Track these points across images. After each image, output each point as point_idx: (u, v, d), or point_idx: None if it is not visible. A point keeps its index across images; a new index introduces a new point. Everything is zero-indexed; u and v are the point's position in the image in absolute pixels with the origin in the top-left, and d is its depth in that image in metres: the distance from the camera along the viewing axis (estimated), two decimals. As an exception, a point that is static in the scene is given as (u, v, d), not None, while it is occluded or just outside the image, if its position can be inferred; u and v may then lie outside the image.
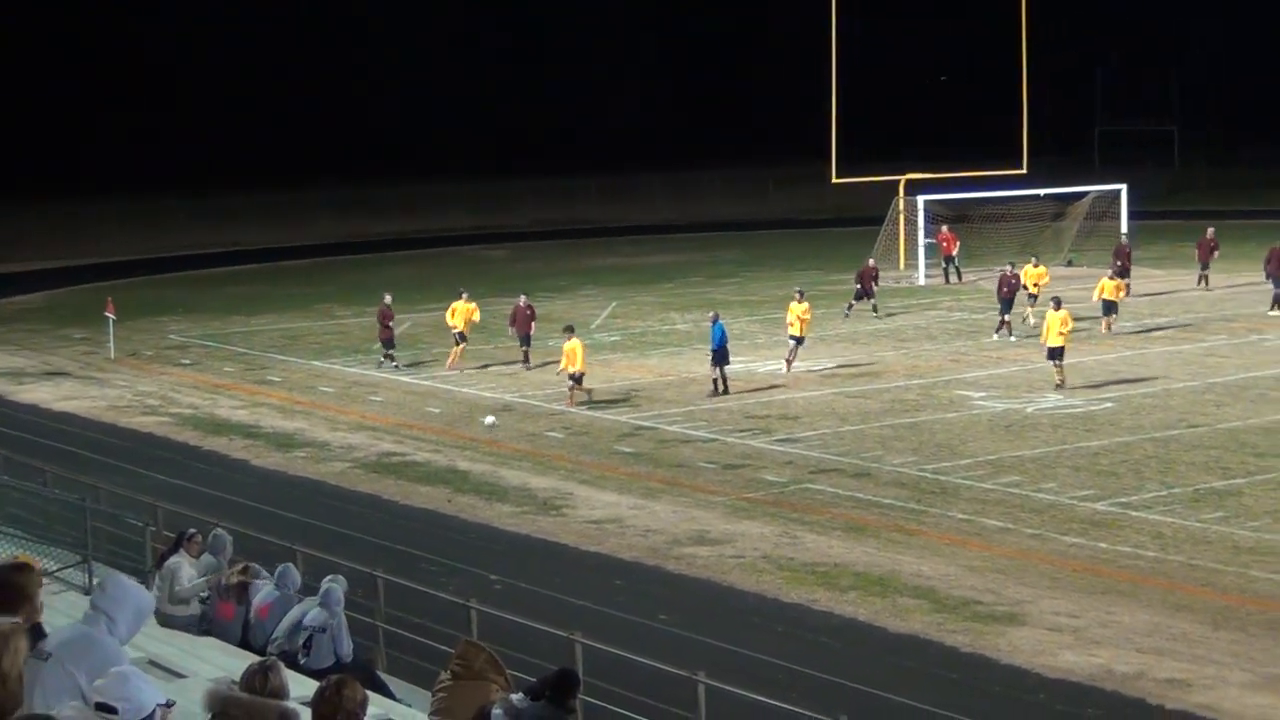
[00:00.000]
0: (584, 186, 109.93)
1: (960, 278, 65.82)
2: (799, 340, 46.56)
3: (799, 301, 46.88)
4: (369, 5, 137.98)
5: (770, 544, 29.88)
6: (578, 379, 42.79)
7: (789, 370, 46.03)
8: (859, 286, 57.36)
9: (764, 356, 48.88)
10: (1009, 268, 53.25)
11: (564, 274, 73.57)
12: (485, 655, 14.21)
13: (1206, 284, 60.64)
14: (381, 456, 38.20)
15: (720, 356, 43.59)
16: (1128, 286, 55.43)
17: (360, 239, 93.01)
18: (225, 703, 9.83)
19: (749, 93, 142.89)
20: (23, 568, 11.10)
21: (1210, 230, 61.96)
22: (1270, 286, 55.28)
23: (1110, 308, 51.58)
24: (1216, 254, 60.96)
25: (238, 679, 10.49)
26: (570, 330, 43.52)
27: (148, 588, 21.90)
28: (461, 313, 49.33)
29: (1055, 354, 43.03)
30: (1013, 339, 50.35)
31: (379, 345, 50.19)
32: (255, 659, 12.76)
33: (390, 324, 49.69)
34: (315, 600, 19.89)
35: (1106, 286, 51.85)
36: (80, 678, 9.66)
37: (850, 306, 56.96)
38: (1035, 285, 54.00)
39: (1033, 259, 56.01)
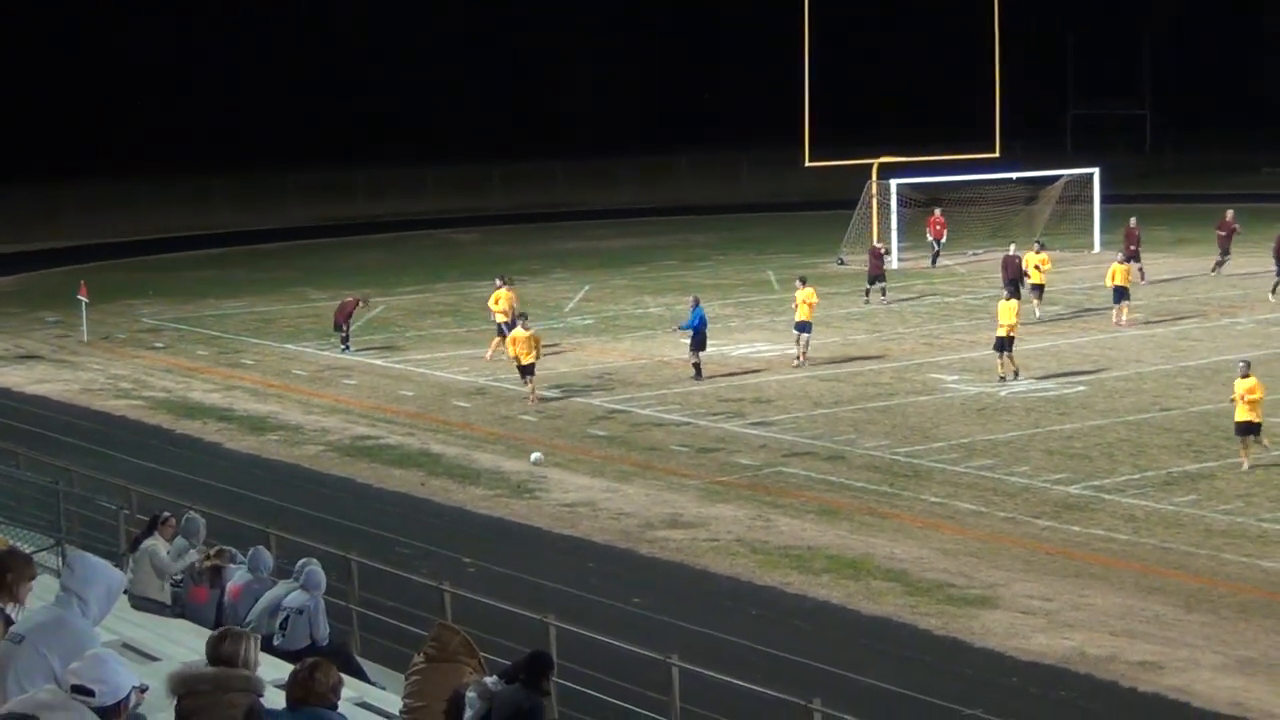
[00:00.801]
0: (555, 170, 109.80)
1: (935, 264, 65.49)
2: (804, 327, 45.07)
3: (802, 287, 45.54)
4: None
5: (744, 527, 29.93)
6: (527, 370, 41.28)
7: (803, 361, 44.78)
8: (874, 273, 56.65)
9: (737, 340, 48.91)
10: (1011, 248, 52.79)
11: (536, 257, 73.49)
12: (460, 638, 14.20)
13: (1219, 269, 59.72)
14: (355, 440, 38.17)
15: (698, 341, 43.39)
16: (1140, 271, 54.34)
17: (332, 222, 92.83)
18: (189, 681, 9.84)
19: (721, 76, 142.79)
20: (18, 555, 11.10)
21: (1230, 213, 61.20)
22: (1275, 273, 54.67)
23: (1122, 294, 50.17)
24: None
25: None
26: (523, 317, 42.51)
27: (122, 571, 21.92)
28: (505, 299, 47.57)
29: (1003, 345, 42.24)
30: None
31: (344, 329, 49.75)
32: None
33: (348, 316, 49.38)
34: (293, 582, 19.87)
35: (1117, 271, 50.47)
36: (54, 660, 9.66)
37: (884, 292, 56.35)
38: (1036, 270, 51.94)
39: (1036, 244, 54.16)
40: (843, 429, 37.27)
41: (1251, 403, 32.61)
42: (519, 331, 41.42)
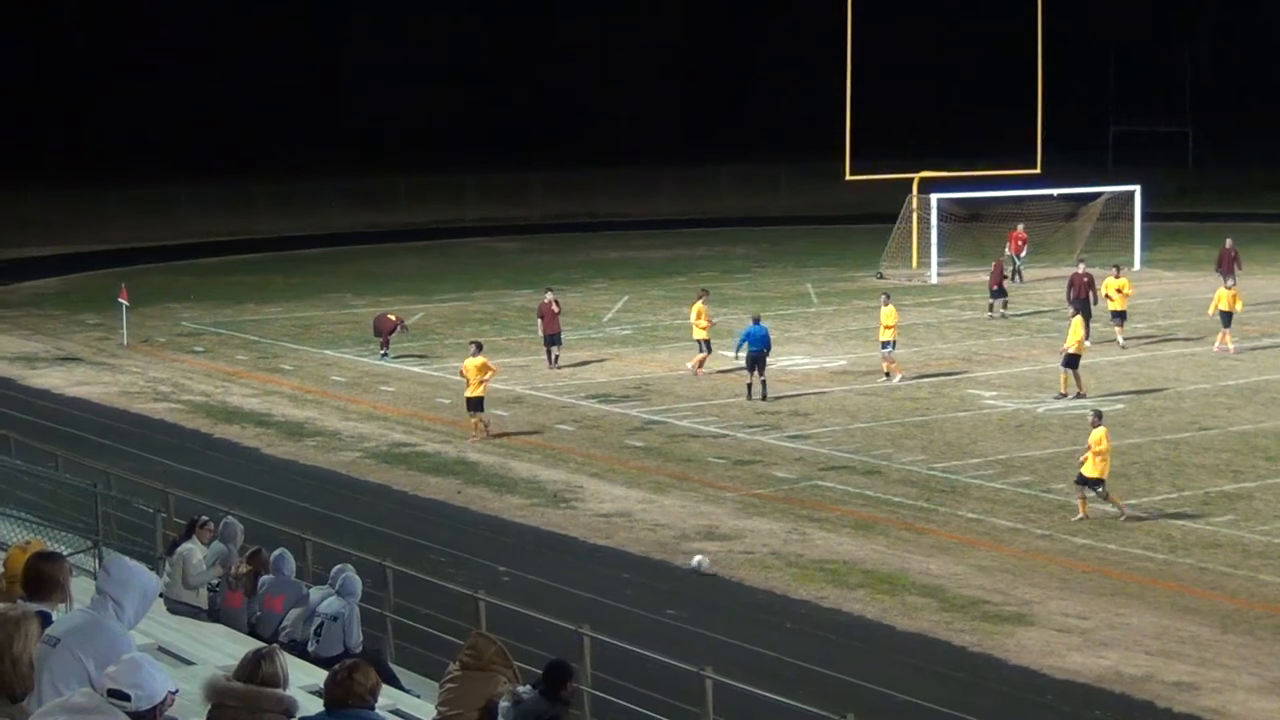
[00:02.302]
0: (596, 179, 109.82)
1: (1021, 278, 64.45)
2: (888, 345, 44.73)
3: (886, 305, 45.20)
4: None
5: (779, 540, 29.90)
6: (475, 404, 39.06)
7: (898, 379, 44.27)
8: (994, 286, 55.75)
9: (775, 353, 48.63)
10: (1080, 266, 52.11)
11: (575, 266, 73.52)
12: (495, 647, 14.21)
13: None
14: (392, 447, 38.23)
15: (756, 361, 42.32)
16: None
17: (372, 229, 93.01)
18: (222, 693, 9.86)
19: (762, 87, 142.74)
20: (53, 556, 11.14)
21: None
22: None
23: (1227, 319, 48.13)
24: None
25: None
26: (478, 346, 40.28)
27: (158, 574, 22.01)
28: (704, 315, 46.42)
29: (1071, 362, 42.16)
30: (1086, 344, 49.28)
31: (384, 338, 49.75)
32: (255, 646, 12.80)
33: (386, 330, 49.38)
34: (329, 588, 19.93)
35: (1223, 297, 48.50)
36: (88, 663, 9.67)
37: (1005, 305, 55.65)
38: (1119, 294, 49.72)
39: (1114, 268, 51.88)
40: (880, 443, 37.22)
41: (1100, 454, 30.84)
42: (471, 360, 39.21)
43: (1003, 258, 57.68)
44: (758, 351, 42.54)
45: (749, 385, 42.67)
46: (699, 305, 46.77)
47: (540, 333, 47.79)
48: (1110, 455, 31.30)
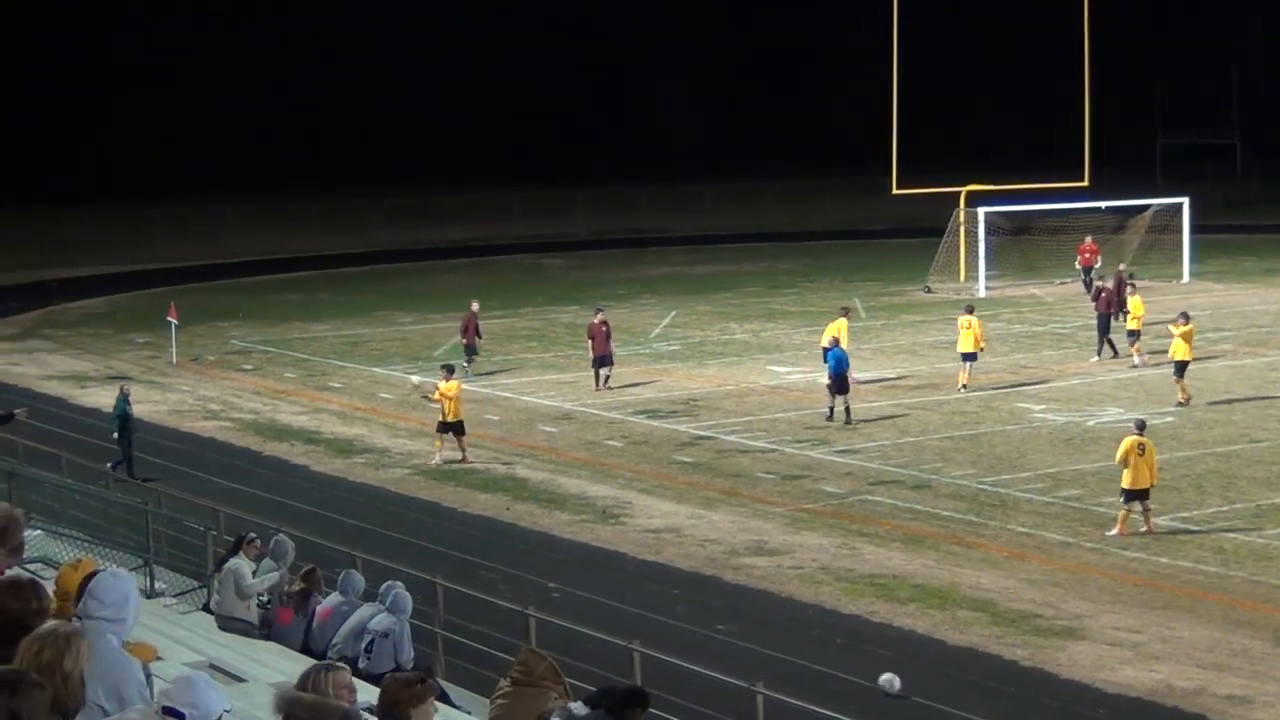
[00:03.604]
0: (640, 195, 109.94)
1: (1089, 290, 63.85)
2: (970, 357, 44.92)
3: (966, 314, 45.22)
4: (427, 15, 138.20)
5: (829, 555, 29.84)
6: (454, 428, 38.44)
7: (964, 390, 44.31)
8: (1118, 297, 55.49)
9: (824, 367, 48.57)
10: (1096, 280, 51.73)
11: (621, 283, 73.57)
12: (546, 663, 14.19)
13: None
14: (441, 463, 38.23)
15: (840, 384, 41.42)
16: None
17: (417, 246, 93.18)
18: (291, 704, 9.88)
19: (807, 102, 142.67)
20: None
21: None
22: None
23: None
24: None
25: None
26: (449, 370, 39.71)
27: (209, 592, 22.17)
28: (834, 331, 45.26)
29: (1181, 369, 42.01)
30: (1097, 359, 49.15)
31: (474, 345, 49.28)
32: (313, 663, 12.84)
33: (474, 331, 48.99)
34: (379, 605, 19.97)
35: None
36: (99, 694, 9.61)
37: (1118, 315, 55.06)
38: (1135, 319, 48.63)
39: (1130, 286, 51.16)
40: (929, 458, 37.11)
41: (1123, 462, 30.58)
42: (444, 384, 38.55)
43: (1122, 271, 56.39)
44: (838, 373, 41.71)
45: (846, 409, 41.30)
46: (843, 322, 45.72)
47: (591, 354, 47.05)
48: (1138, 468, 30.72)
